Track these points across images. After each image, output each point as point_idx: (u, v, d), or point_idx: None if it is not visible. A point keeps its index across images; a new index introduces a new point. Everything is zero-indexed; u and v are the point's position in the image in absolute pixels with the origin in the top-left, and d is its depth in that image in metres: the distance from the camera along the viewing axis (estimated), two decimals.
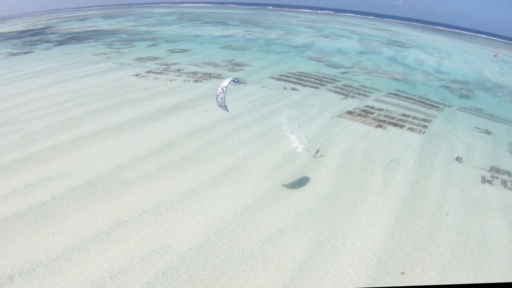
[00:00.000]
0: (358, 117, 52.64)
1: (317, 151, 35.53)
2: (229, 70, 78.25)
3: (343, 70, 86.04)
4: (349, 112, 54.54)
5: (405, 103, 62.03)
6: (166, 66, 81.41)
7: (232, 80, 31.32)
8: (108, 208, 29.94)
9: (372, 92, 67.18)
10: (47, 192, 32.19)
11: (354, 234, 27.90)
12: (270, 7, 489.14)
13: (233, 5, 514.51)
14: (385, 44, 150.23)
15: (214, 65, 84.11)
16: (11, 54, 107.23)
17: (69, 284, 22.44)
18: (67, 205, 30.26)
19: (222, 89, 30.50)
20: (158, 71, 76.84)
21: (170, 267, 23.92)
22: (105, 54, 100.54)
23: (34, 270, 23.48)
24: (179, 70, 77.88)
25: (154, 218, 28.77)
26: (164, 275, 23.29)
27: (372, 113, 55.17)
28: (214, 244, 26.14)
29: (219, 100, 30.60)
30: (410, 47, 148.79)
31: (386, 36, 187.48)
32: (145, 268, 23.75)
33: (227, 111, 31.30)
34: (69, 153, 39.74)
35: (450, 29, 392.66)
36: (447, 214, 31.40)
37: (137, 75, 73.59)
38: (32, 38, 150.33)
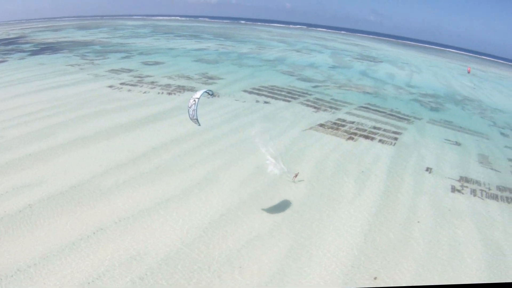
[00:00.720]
0: (330, 130, 53.57)
1: (296, 175, 35.81)
2: (202, 83, 78.72)
3: (314, 84, 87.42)
4: (321, 125, 55.47)
5: (376, 116, 63.40)
6: (140, 78, 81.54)
7: (206, 91, 31.50)
8: (84, 216, 29.89)
9: (343, 106, 68.43)
10: (23, 199, 31.97)
11: (327, 241, 28.43)
12: (242, 21, 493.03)
13: (206, 19, 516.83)
14: (357, 58, 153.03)
15: (188, 78, 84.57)
16: None
17: None
18: (43, 213, 30.08)
19: (195, 100, 30.19)
20: (132, 83, 76.93)
21: (146, 273, 24.12)
22: (79, 65, 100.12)
23: (12, 276, 23.44)
24: (152, 82, 78.09)
25: (131, 226, 28.89)
26: (141, 281, 23.54)
27: (343, 125, 56.21)
28: (190, 251, 26.33)
29: (191, 112, 30.38)
30: (381, 62, 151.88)
31: (357, 50, 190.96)
32: (122, 274, 23.84)
33: (199, 125, 31.18)
34: (45, 162, 39.57)
35: (420, 44, 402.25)
36: (418, 221, 32.29)
37: (111, 86, 73.57)
38: (5, 47, 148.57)
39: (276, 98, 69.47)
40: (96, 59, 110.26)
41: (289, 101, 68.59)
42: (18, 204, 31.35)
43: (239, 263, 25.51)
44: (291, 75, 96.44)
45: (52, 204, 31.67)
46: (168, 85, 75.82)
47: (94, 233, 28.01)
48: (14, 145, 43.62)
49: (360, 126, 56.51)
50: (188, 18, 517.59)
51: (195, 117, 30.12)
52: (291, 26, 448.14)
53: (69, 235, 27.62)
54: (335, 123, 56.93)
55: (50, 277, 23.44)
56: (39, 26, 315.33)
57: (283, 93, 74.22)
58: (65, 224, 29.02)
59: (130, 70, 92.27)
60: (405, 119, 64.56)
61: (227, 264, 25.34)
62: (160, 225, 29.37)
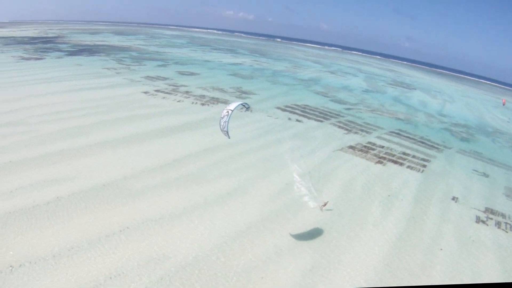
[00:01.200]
0: (360, 152, 53.90)
1: (325, 204, 34.50)
2: (236, 97, 79.92)
3: (347, 106, 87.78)
4: (351, 147, 55.83)
5: (406, 142, 63.42)
6: (174, 87, 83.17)
7: (242, 104, 31.91)
8: (112, 214, 31.03)
9: (374, 130, 68.65)
10: (53, 192, 33.35)
11: (348, 261, 28.80)
12: (278, 39, 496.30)
13: (242, 34, 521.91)
14: (390, 84, 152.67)
15: (222, 90, 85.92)
16: (23, 59, 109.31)
17: (68, 280, 23.42)
18: (71, 207, 31.38)
19: (228, 111, 30.64)
20: (166, 91, 78.54)
21: (166, 276, 24.84)
22: (115, 69, 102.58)
23: (35, 263, 24.49)
24: (187, 92, 79.57)
25: (155, 229, 29.78)
26: (159, 283, 24.25)
27: (373, 149, 56.46)
28: (210, 259, 27.05)
29: (222, 123, 30.56)
30: (415, 89, 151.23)
31: (391, 76, 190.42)
32: (142, 274, 24.67)
33: (229, 137, 31.33)
34: (77, 159, 41.03)
35: (454, 73, 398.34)
36: (441, 249, 32.37)
37: (146, 92, 75.30)
38: (44, 45, 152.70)
39: (308, 118, 70.12)
40: (132, 65, 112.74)
41: (321, 121, 69.15)
42: (47, 196, 32.73)
43: (258, 276, 26.07)
44: (325, 96, 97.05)
45: (81, 199, 32.98)
46: (202, 96, 77.19)
47: (119, 231, 29.01)
48: (47, 140, 45.34)
49: (389, 151, 56.66)
50: (224, 32, 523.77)
51: (225, 129, 30.23)
52: (326, 47, 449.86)
53: (94, 231, 28.73)
54: (365, 146, 57.23)
55: (72, 268, 24.47)
56: (76, 27, 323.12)
57: (315, 113, 74.84)
58: (91, 219, 30.19)
59: (165, 78, 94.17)
60: (435, 147, 64.39)
61: (245, 276, 25.91)
62: (184, 231, 30.20)
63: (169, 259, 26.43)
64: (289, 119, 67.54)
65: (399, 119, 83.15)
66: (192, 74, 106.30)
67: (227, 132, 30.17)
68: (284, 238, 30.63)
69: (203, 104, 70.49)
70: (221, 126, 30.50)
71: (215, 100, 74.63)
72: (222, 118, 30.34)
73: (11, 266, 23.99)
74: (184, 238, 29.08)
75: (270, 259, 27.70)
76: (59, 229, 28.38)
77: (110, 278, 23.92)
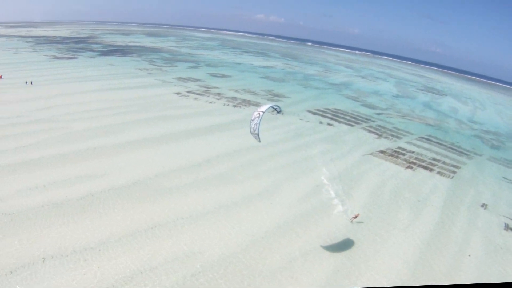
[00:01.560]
0: (390, 157, 54.04)
1: (355, 217, 34.28)
2: (268, 100, 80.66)
3: (378, 111, 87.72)
4: (381, 152, 55.98)
5: (436, 148, 63.17)
6: (206, 89, 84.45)
7: (273, 107, 31.82)
8: (142, 211, 32.22)
9: (404, 135, 68.52)
10: (85, 188, 34.80)
11: (373, 264, 29.28)
12: (309, 43, 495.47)
13: (273, 38, 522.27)
14: (421, 89, 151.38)
15: (254, 93, 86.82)
16: (56, 58, 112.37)
17: (99, 273, 24.54)
18: (103, 203, 32.75)
19: (259, 113, 30.43)
20: (198, 92, 79.88)
21: (199, 271, 25.77)
22: (147, 69, 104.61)
23: (67, 255, 25.69)
24: (219, 94, 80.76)
25: (188, 226, 30.83)
26: (192, 278, 25.17)
27: (403, 154, 56.48)
28: (243, 256, 27.98)
29: (253, 126, 30.25)
30: (445, 95, 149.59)
31: (422, 82, 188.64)
32: (175, 269, 25.70)
33: (259, 141, 31.39)
34: (108, 157, 42.48)
35: (486, 80, 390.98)
36: (469, 255, 32.44)
37: (178, 93, 76.76)
38: (76, 45, 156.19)
39: (339, 121, 70.43)
40: (164, 66, 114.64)
41: (352, 125, 69.41)
42: (79, 192, 34.18)
43: (290, 273, 26.79)
44: (356, 101, 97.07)
45: (114, 195, 34.36)
46: (234, 98, 78.22)
47: (152, 227, 30.14)
48: (80, 137, 47.09)
49: (419, 157, 56.58)
50: (255, 35, 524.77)
51: (256, 132, 29.94)
52: (356, 52, 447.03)
53: (127, 226, 29.97)
54: (395, 151, 57.29)
55: (105, 262, 25.66)
56: (108, 28, 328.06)
57: (346, 117, 75.08)
58: (124, 215, 31.46)
59: (197, 80, 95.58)
60: (465, 153, 63.95)
61: (278, 273, 26.69)
62: (217, 228, 31.14)
63: (197, 257, 27.36)
64: (320, 122, 67.95)
65: (429, 125, 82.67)
66: (223, 76, 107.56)
67: (258, 135, 30.00)
68: (311, 240, 31.23)
69: (235, 106, 71.46)
70: (252, 129, 30.41)
71: (247, 102, 75.55)
72: (253, 120, 30.23)
73: (43, 257, 25.18)
74: (212, 236, 30.00)
75: (296, 260, 28.37)
76: (91, 224, 29.67)
77: (141, 272, 24.96)
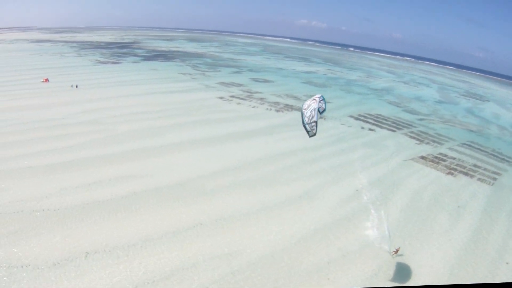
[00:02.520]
0: (431, 163, 53.56)
1: (397, 251, 31.34)
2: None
3: (420, 116, 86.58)
4: (422, 157, 55.51)
5: (477, 155, 62.08)
6: (249, 94, 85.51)
7: (318, 110, 30.82)
8: (186, 211, 33.35)
9: (446, 141, 67.59)
10: (129, 188, 36.25)
11: (412, 269, 29.34)
12: (351, 49, 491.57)
13: (315, 43, 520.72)
14: (463, 95, 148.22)
15: (296, 98, 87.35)
16: (100, 62, 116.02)
17: (141, 268, 25.62)
18: (146, 202, 34.08)
19: (314, 100, 28.94)
20: (241, 97, 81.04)
21: (238, 270, 26.55)
22: (190, 74, 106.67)
23: (109, 251, 26.94)
24: (261, 98, 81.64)
25: (228, 226, 31.73)
26: (231, 276, 25.93)
27: (444, 160, 55.87)
28: (282, 256, 28.59)
29: (308, 113, 28.22)
30: (488, 101, 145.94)
31: (464, 87, 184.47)
32: (215, 267, 26.55)
33: (315, 132, 28.33)
34: (152, 158, 43.98)
35: None
36: (507, 263, 32.00)
37: (221, 98, 78.13)
38: (120, 50, 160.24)
39: (381, 127, 70.15)
40: (207, 71, 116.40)
41: (393, 130, 69.02)
42: (123, 191, 35.63)
43: (327, 275, 27.23)
44: (398, 106, 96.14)
45: (156, 195, 35.59)
46: (277, 103, 78.90)
47: (193, 227, 31.16)
48: (124, 139, 48.88)
49: (460, 163, 55.83)
50: (297, 41, 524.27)
51: (314, 119, 27.80)
52: (398, 57, 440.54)
53: (169, 225, 31.02)
54: (436, 157, 56.71)
55: (145, 258, 26.71)
56: (151, 34, 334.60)
57: (388, 122, 74.64)
58: (165, 215, 32.56)
59: (240, 85, 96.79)
60: (506, 160, 62.49)
61: (315, 274, 27.17)
62: (257, 229, 31.89)
63: (236, 256, 28.12)
64: (362, 128, 67.88)
65: (471, 131, 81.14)
66: (266, 81, 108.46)
67: (316, 124, 27.70)
68: (349, 242, 31.57)
69: (277, 111, 72.18)
70: (308, 118, 28.48)
71: (289, 107, 76.16)
72: (306, 109, 29.05)
73: (86, 252, 26.48)
74: (252, 237, 30.74)
75: (333, 262, 28.80)
76: (134, 221, 30.97)
77: (182, 269, 25.93)
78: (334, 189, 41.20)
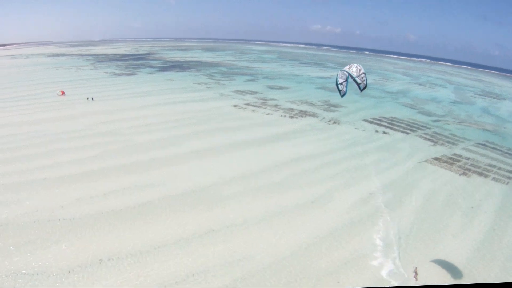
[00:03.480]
0: (445, 164, 52.90)
1: (416, 274, 28.40)
2: (324, 110, 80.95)
3: (435, 118, 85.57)
4: (436, 159, 54.87)
5: (492, 154, 61.06)
6: (264, 101, 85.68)
7: (355, 80, 31.30)
8: (199, 217, 33.55)
9: (461, 141, 66.70)
10: (144, 196, 36.65)
11: (424, 267, 29.08)
12: (366, 52, 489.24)
13: (329, 48, 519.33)
14: (479, 94, 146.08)
15: (310, 104, 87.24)
16: (115, 74, 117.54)
17: (154, 274, 25.84)
18: (161, 210, 34.39)
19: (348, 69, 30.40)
20: (256, 104, 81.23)
21: (249, 275, 26.59)
22: (205, 83, 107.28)
23: (123, 258, 27.28)
24: (276, 105, 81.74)
25: (241, 232, 31.85)
26: (243, 281, 25.99)
27: (458, 161, 55.13)
28: (290, 261, 28.49)
29: (355, 69, 29.50)
30: (504, 99, 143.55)
31: (480, 86, 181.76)
32: (227, 272, 26.65)
33: (346, 92, 31.05)
34: (168, 167, 44.34)
35: None
36: None
37: (235, 106, 78.45)
38: (135, 62, 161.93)
39: (395, 130, 69.57)
40: (222, 80, 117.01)
41: (407, 133, 68.37)
42: (138, 199, 35.93)
43: (336, 278, 27.13)
44: (412, 108, 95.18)
45: (171, 203, 35.88)
46: (291, 109, 78.89)
47: (206, 233, 31.32)
48: (140, 149, 49.35)
49: (475, 163, 55.00)
50: (311, 46, 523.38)
51: (362, 71, 29.15)
52: (413, 58, 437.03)
53: (182, 232, 31.21)
54: (450, 158, 55.98)
55: (158, 264, 26.95)
56: (166, 45, 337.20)
57: (402, 125, 73.98)
58: (180, 221, 32.78)
59: (254, 92, 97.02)
60: None
61: (324, 277, 27.07)
62: (269, 234, 31.86)
63: (248, 261, 28.16)
64: (376, 131, 67.43)
65: (486, 130, 79.86)
66: (281, 88, 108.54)
67: (365, 75, 29.46)
68: (362, 245, 31.41)
69: (291, 117, 72.15)
70: (356, 73, 30.23)
71: (303, 113, 76.08)
72: (349, 69, 30.31)
73: (100, 259, 26.83)
74: (264, 242, 30.74)
75: (344, 266, 28.65)
76: (148, 229, 31.27)
77: (193, 275, 26.10)
78: (347, 192, 41.00)
